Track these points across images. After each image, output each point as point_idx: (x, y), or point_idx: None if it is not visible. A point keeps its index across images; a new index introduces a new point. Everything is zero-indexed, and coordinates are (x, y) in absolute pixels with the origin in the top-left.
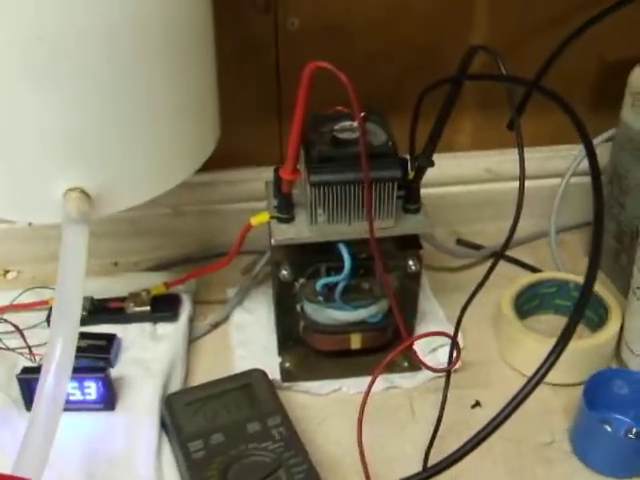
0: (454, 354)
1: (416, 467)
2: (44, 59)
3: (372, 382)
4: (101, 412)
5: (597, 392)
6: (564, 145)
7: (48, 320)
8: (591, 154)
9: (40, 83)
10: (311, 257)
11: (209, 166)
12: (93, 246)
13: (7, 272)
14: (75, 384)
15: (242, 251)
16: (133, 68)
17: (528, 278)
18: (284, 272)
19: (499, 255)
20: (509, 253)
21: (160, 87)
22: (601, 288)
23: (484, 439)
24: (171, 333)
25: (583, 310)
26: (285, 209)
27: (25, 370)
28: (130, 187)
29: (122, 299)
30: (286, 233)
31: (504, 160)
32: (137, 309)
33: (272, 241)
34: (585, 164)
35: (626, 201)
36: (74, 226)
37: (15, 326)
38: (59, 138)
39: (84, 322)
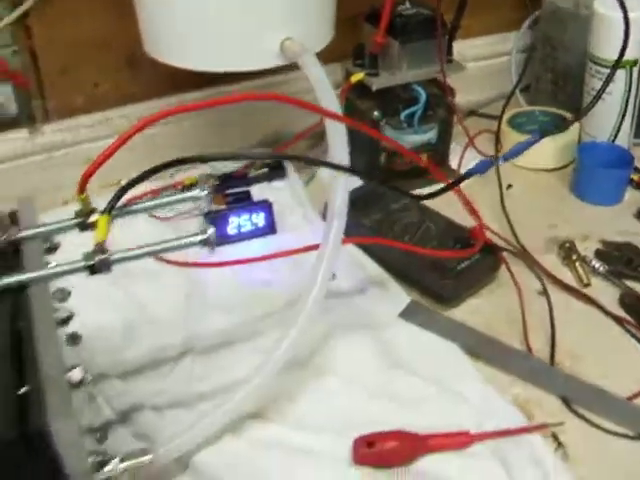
0: None
1: None
2: None
3: None
4: (267, 236)
5: (586, 156)
6: None
7: None
8: None
9: None
10: (391, 99)
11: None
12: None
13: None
14: (246, 216)
15: None
16: None
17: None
18: (375, 113)
19: None
20: None
21: None
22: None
23: None
24: (286, 185)
25: None
26: (374, 66)
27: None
28: (315, 39)
29: (243, 168)
30: (379, 83)
31: None
32: (257, 172)
33: (373, 87)
34: None
35: (557, 55)
36: (305, 57)
37: None
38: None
39: (219, 190)
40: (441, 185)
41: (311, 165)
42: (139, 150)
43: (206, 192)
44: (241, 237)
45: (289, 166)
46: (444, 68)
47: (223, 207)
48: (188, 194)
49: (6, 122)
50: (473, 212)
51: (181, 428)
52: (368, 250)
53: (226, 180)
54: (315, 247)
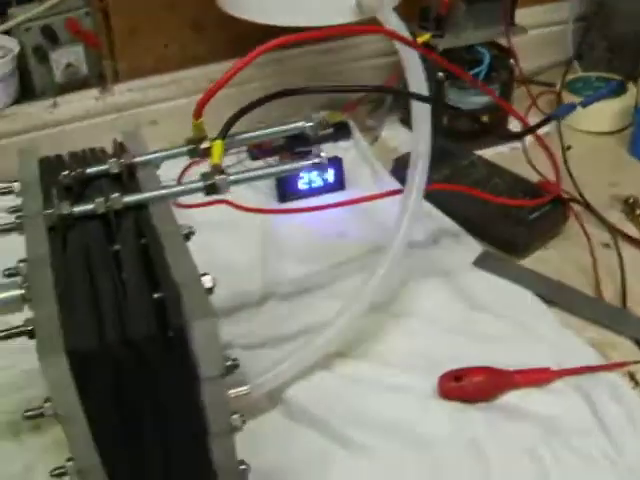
0: None
1: None
2: None
3: None
4: (336, 192)
5: None
6: None
7: None
8: None
9: None
10: (454, 61)
11: None
12: None
13: None
14: (315, 172)
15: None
16: None
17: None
18: (440, 74)
19: None
20: None
21: None
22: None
23: None
24: (351, 145)
25: None
26: (440, 28)
27: None
28: None
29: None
30: (445, 43)
31: None
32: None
33: (439, 48)
34: None
35: (613, 22)
36: (385, 12)
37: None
38: None
39: (286, 148)
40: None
41: (412, 99)
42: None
43: (311, 124)
44: (311, 192)
45: (354, 126)
46: (508, 30)
47: None
48: (292, 125)
49: (77, 82)
50: (553, 164)
51: (271, 363)
52: (438, 204)
53: (291, 139)
54: (395, 192)
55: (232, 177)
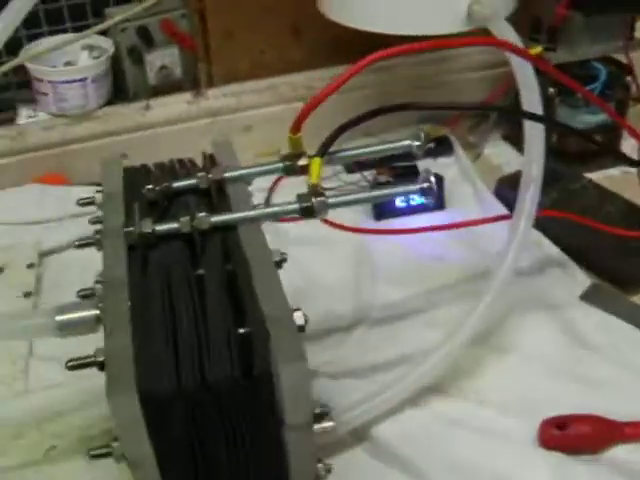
0: None
1: None
2: None
3: None
4: (435, 211)
5: None
6: None
7: None
8: None
9: None
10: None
11: None
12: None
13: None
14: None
15: None
16: None
17: None
18: (551, 90)
19: None
20: None
21: None
22: None
23: None
24: (453, 162)
25: None
26: (553, 40)
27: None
28: (502, 4)
29: None
30: (558, 58)
31: None
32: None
33: (551, 62)
34: None
35: None
36: (498, 22)
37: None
38: None
39: (383, 163)
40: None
41: (525, 119)
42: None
43: (418, 143)
44: (409, 210)
45: (455, 142)
46: (627, 45)
47: (390, 179)
48: (399, 144)
49: (171, 85)
50: None
51: (361, 397)
52: (544, 229)
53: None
54: (503, 217)
55: (331, 200)
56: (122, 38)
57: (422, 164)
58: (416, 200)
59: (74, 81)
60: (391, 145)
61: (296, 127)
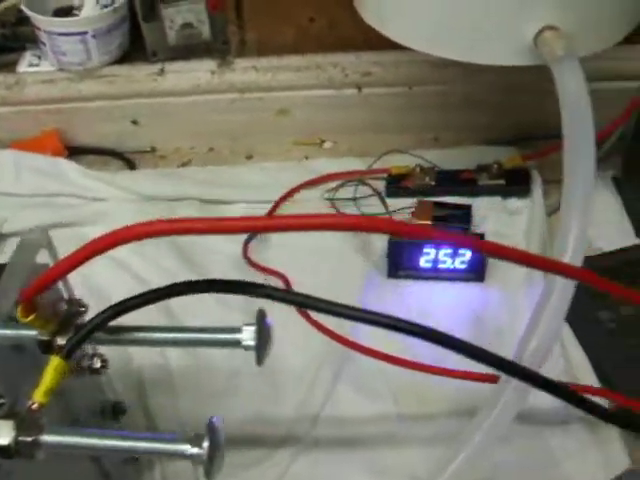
0: None
1: None
2: None
3: None
4: (470, 282)
5: None
6: None
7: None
8: None
9: None
10: None
11: None
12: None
13: (323, 142)
14: (449, 250)
15: None
16: None
17: None
18: None
19: None
20: None
21: None
22: None
23: None
24: (525, 207)
25: None
26: None
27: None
28: (596, 30)
29: (472, 171)
30: None
31: None
32: (490, 182)
33: None
34: None
35: None
36: (567, 63)
37: (376, 191)
38: None
39: (431, 192)
40: None
41: None
42: None
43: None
44: (435, 275)
45: (537, 182)
46: None
47: (427, 223)
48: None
49: (194, 49)
50: None
51: None
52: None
53: (443, 180)
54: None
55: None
56: None
57: (483, 203)
58: (447, 263)
59: (71, 34)
60: (209, 336)
61: (25, 309)
